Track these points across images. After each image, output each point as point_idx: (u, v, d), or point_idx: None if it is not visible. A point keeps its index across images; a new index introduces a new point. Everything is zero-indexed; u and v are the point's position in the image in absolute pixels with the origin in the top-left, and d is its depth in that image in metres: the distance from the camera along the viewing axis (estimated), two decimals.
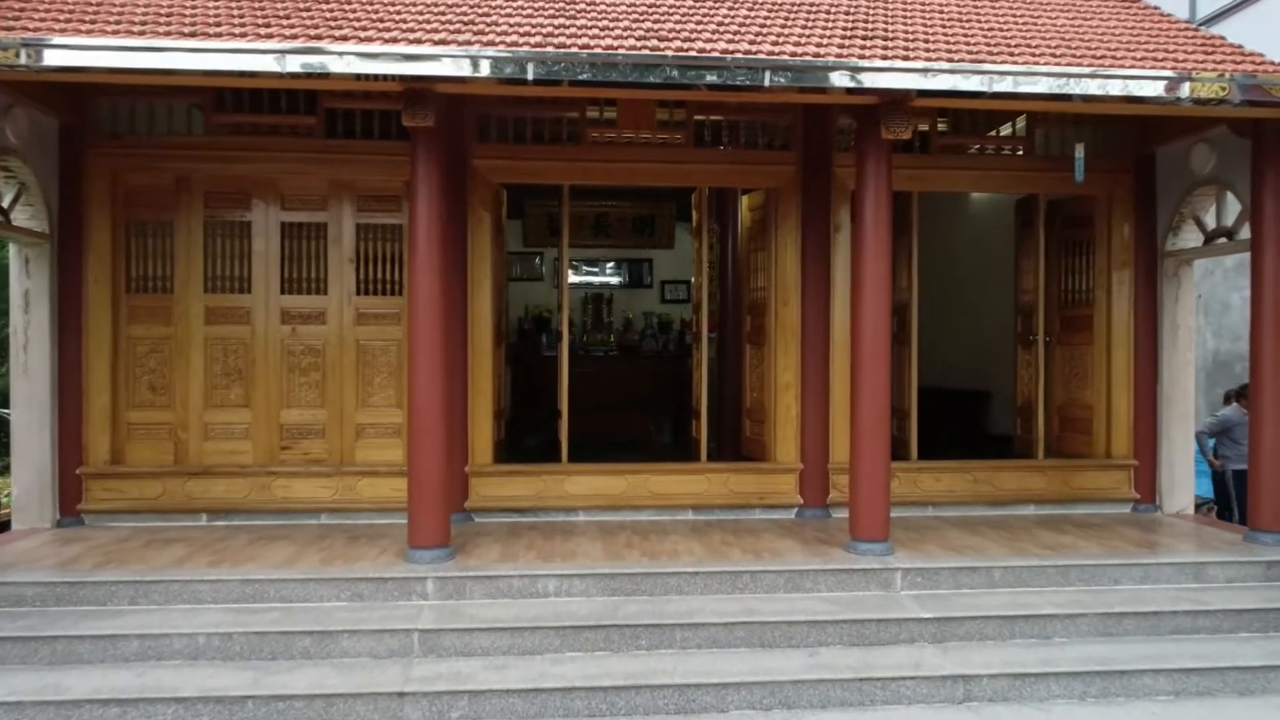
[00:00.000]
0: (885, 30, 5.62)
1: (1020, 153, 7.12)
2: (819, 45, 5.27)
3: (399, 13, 5.36)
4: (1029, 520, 6.78)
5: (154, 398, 6.58)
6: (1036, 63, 5.16)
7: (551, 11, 5.58)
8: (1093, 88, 5.00)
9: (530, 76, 4.77)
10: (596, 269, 12.07)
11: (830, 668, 4.60)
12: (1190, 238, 6.96)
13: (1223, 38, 6.13)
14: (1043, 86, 4.99)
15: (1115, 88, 5.02)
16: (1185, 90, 5.15)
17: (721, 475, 6.84)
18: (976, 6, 6.43)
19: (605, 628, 4.76)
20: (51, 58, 4.71)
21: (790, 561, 5.43)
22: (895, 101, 5.28)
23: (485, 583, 5.11)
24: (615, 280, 12.03)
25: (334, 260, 6.69)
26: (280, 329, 6.64)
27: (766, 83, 4.82)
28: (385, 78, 4.86)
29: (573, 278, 11.85)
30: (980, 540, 6.01)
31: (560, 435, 7.04)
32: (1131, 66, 5.23)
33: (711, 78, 4.83)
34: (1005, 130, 7.39)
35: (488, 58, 4.77)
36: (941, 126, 7.00)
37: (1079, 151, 5.97)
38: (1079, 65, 5.19)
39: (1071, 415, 7.54)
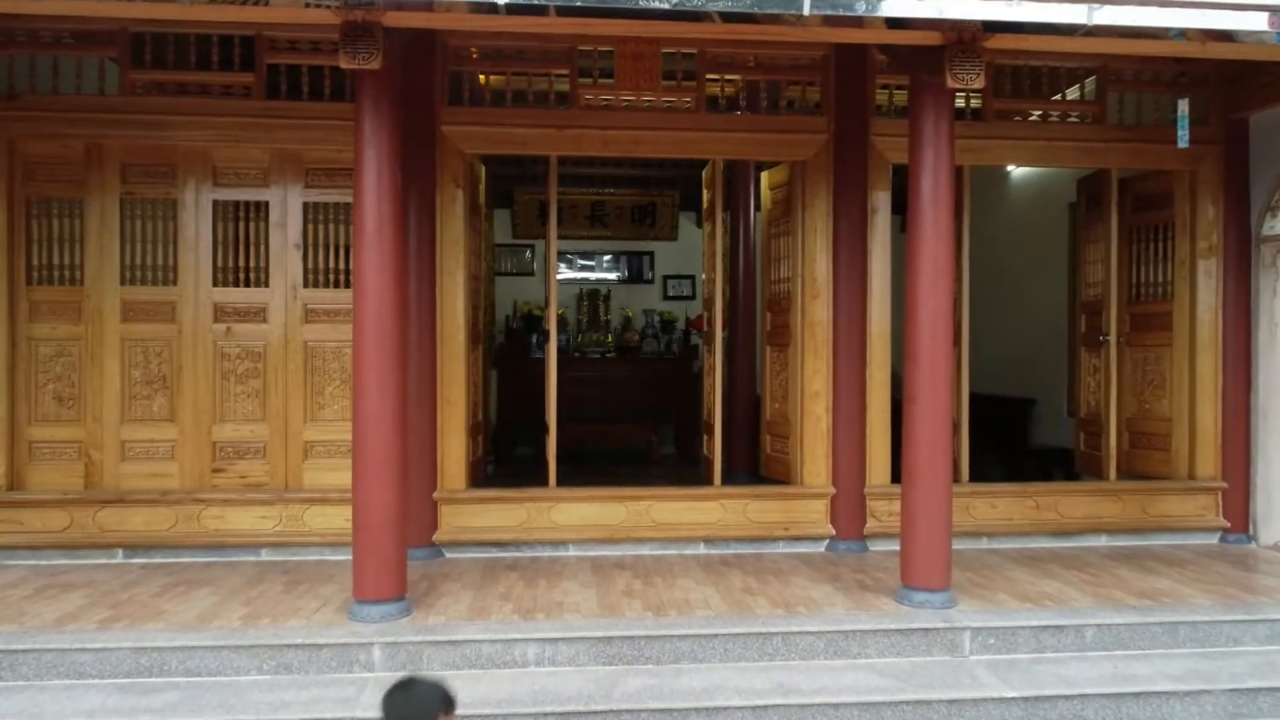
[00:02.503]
0: None
1: (1090, 120, 6.05)
2: None
3: None
4: (1102, 555, 5.71)
5: (61, 410, 5.50)
6: None
7: None
8: (1240, 22, 3.86)
9: (502, 0, 3.69)
10: (593, 262, 10.99)
11: None
12: None
13: None
14: (1167, 19, 3.87)
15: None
16: None
17: (739, 501, 5.76)
18: None
19: (599, 714, 3.68)
20: None
21: (830, 617, 4.35)
22: (964, 41, 4.21)
23: (447, 649, 4.03)
24: (613, 275, 10.96)
25: (277, 246, 5.61)
26: (213, 328, 5.56)
27: (806, 10, 3.73)
28: (315, 3, 3.79)
29: (567, 272, 10.81)
30: (1057, 585, 4.94)
31: (548, 454, 5.96)
32: None
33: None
34: (1072, 94, 6.32)
35: None
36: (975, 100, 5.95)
37: (1182, 108, 4.92)
38: None
39: (1144, 429, 6.46)
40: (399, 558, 4.33)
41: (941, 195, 4.50)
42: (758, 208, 7.89)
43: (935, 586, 4.48)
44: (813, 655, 4.17)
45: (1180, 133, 4.95)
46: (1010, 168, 8.89)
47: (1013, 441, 8.49)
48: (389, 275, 4.27)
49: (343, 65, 3.99)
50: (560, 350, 9.67)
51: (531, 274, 10.72)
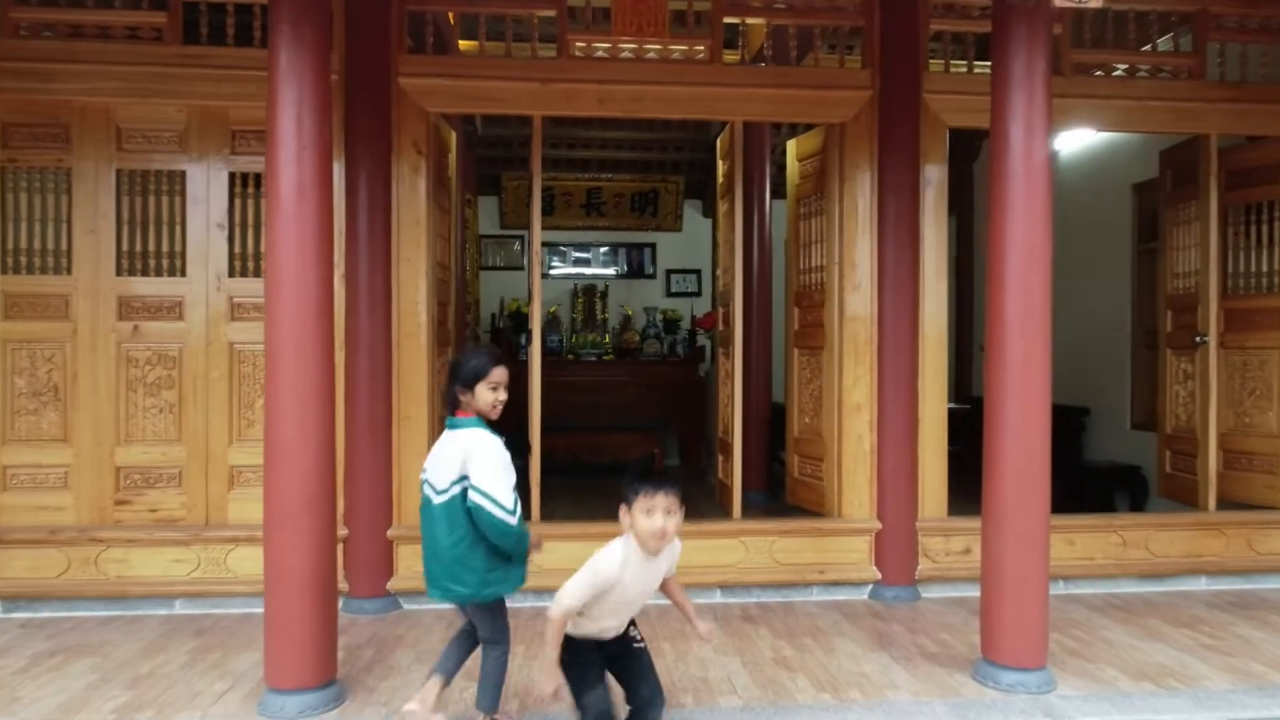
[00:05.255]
0: None
1: (1185, 76, 5.02)
2: None
3: None
4: (1206, 603, 4.69)
5: None
6: None
7: None
8: None
9: None
10: (588, 255, 9.94)
11: None
12: None
13: None
14: None
15: None
16: None
17: (764, 539, 4.72)
18: None
19: None
20: None
21: (896, 708, 3.30)
22: None
23: None
24: (611, 270, 9.91)
25: (197, 227, 4.57)
26: (117, 326, 4.51)
27: None
28: None
29: (560, 267, 9.78)
30: (1173, 652, 3.90)
31: (530, 477, 4.91)
32: None
33: None
34: (1163, 45, 5.28)
35: None
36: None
37: None
38: None
39: (1244, 448, 5.42)
40: (324, 633, 3.27)
41: (1036, 154, 3.47)
42: (773, 192, 6.90)
43: (1030, 664, 3.43)
44: None
45: None
46: (1057, 146, 7.86)
47: (1063, 456, 7.42)
48: (311, 258, 3.22)
49: None
50: (553, 352, 8.66)
51: (521, 268, 9.68)
